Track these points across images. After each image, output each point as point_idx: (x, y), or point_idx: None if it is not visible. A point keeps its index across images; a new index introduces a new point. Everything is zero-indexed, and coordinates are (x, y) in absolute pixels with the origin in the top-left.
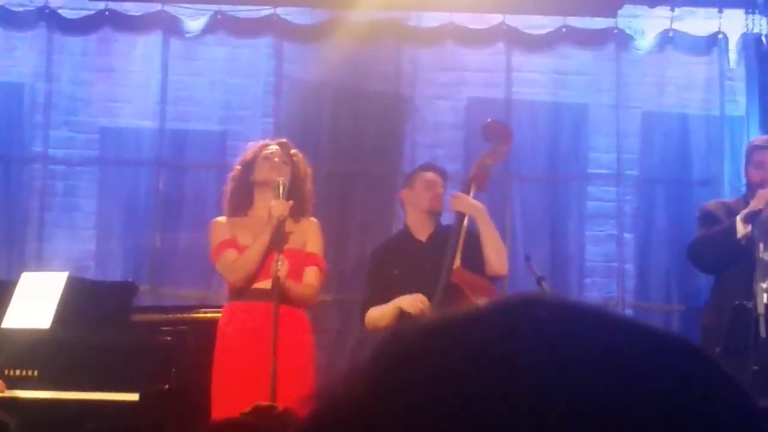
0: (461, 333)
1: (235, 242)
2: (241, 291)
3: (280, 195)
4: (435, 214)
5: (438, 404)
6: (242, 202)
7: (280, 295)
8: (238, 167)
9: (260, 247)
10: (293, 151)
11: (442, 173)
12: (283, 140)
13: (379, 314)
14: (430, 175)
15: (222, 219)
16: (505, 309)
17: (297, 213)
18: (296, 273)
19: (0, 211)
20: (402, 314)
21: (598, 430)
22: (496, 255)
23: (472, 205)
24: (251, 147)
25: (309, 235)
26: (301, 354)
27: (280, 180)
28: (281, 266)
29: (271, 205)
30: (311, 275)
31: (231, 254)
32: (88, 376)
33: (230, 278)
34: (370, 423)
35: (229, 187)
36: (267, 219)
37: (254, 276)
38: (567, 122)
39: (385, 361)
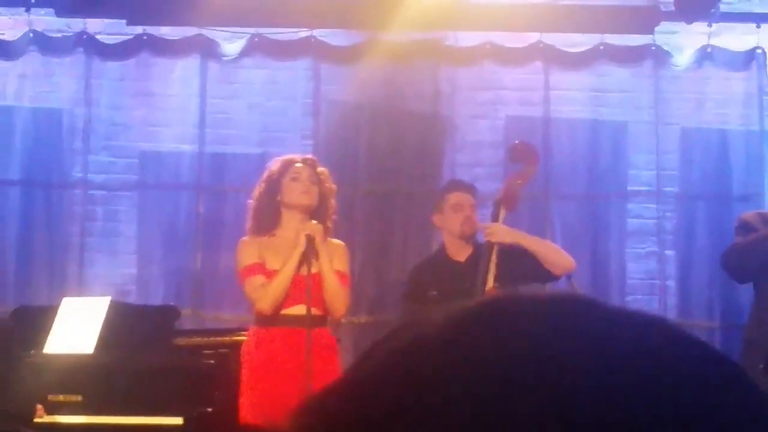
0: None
1: (263, 267)
2: (271, 317)
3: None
4: (469, 237)
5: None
6: (268, 222)
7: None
8: (263, 185)
9: (288, 274)
10: (320, 169)
11: (468, 189)
12: (309, 157)
13: None
14: (455, 196)
15: (250, 239)
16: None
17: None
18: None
19: (41, 237)
20: None
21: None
22: (555, 258)
23: (510, 233)
24: (275, 163)
25: (335, 255)
26: (331, 377)
27: (305, 235)
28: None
29: (301, 229)
30: None
31: (258, 279)
32: (132, 400)
33: (258, 305)
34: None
35: (253, 205)
36: (295, 243)
37: (282, 302)
38: (606, 140)
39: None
